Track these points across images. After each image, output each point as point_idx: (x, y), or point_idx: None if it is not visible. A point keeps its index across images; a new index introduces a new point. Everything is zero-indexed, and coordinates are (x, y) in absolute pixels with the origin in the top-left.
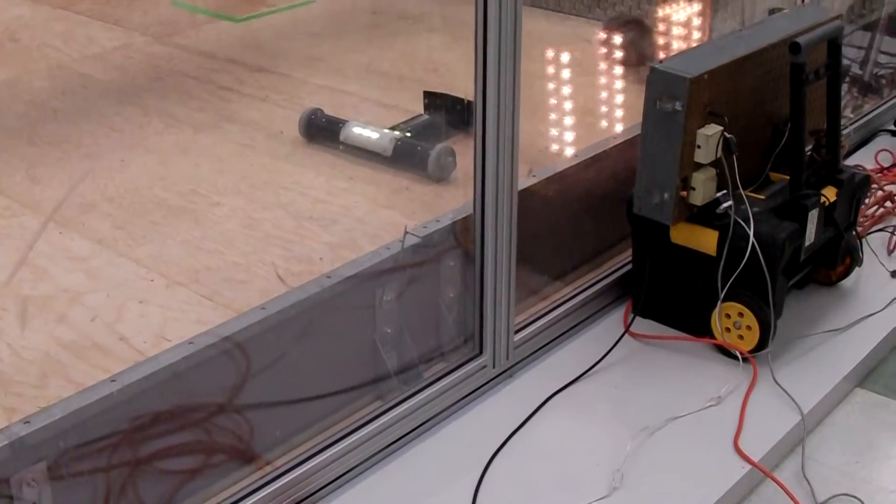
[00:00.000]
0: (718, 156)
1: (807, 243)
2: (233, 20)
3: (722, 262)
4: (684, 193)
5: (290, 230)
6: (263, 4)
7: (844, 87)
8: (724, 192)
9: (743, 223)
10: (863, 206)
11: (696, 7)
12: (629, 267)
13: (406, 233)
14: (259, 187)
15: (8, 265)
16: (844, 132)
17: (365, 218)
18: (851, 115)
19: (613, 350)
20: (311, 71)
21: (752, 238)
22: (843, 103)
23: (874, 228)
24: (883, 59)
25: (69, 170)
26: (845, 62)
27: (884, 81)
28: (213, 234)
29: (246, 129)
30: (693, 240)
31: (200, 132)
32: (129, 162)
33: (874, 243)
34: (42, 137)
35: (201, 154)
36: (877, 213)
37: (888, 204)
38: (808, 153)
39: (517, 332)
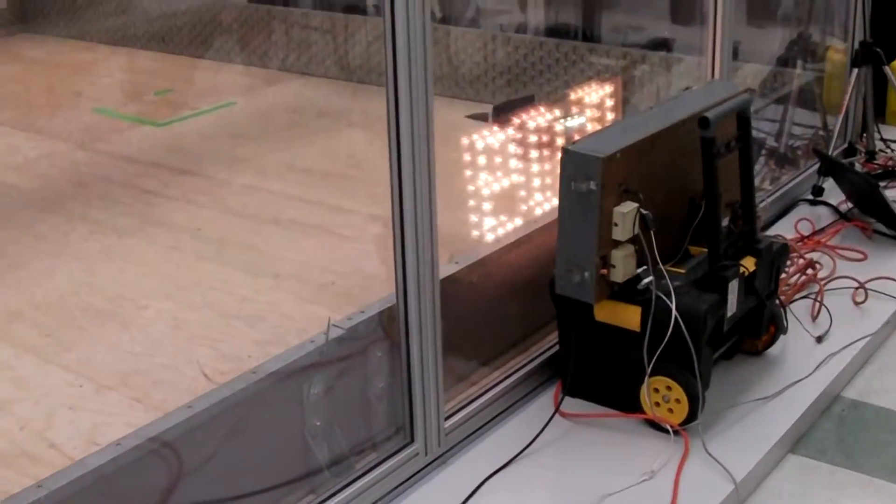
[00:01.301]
0: (636, 232)
1: (729, 314)
2: (155, 125)
3: (647, 338)
4: (604, 271)
5: (218, 329)
6: (185, 108)
7: (761, 160)
8: (645, 267)
9: (665, 297)
10: (785, 275)
11: (609, 89)
12: (557, 348)
13: (330, 325)
14: (186, 288)
15: None
16: (762, 204)
17: (292, 314)
18: (770, 187)
19: (545, 431)
20: (235, 171)
21: (674, 311)
22: (760, 176)
23: (797, 296)
24: (797, 130)
25: None
26: (760, 135)
27: (799, 153)
28: (140, 338)
29: (171, 231)
30: (616, 317)
31: (125, 236)
32: (55, 269)
33: (798, 311)
34: None
35: (127, 258)
36: (799, 281)
37: (809, 271)
38: (726, 225)
39: (448, 418)
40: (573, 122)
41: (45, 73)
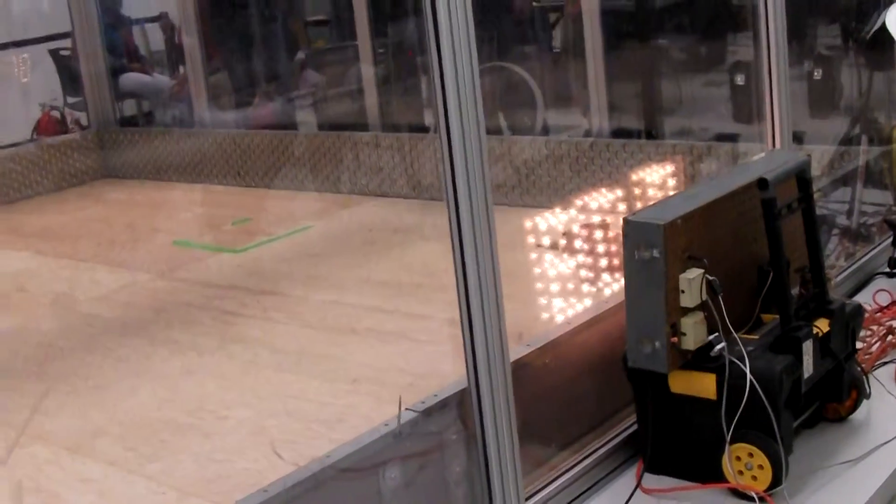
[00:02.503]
0: (704, 299)
1: (805, 375)
2: (233, 251)
3: (724, 405)
4: (675, 339)
5: (298, 433)
6: (262, 234)
7: (835, 238)
8: (716, 334)
9: (738, 362)
10: (866, 343)
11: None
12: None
13: (401, 407)
14: (265, 398)
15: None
16: (837, 279)
17: (371, 415)
18: (844, 263)
19: None
20: (312, 289)
21: (748, 375)
22: (835, 253)
23: (879, 362)
24: (869, 209)
25: (78, 401)
26: (828, 212)
27: (873, 229)
28: (221, 445)
29: (250, 347)
30: (692, 386)
31: (205, 354)
32: (137, 388)
33: (881, 376)
34: (50, 374)
35: (207, 374)
36: (879, 348)
37: (890, 337)
38: (797, 291)
39: (528, 498)
40: None
41: (126, 212)
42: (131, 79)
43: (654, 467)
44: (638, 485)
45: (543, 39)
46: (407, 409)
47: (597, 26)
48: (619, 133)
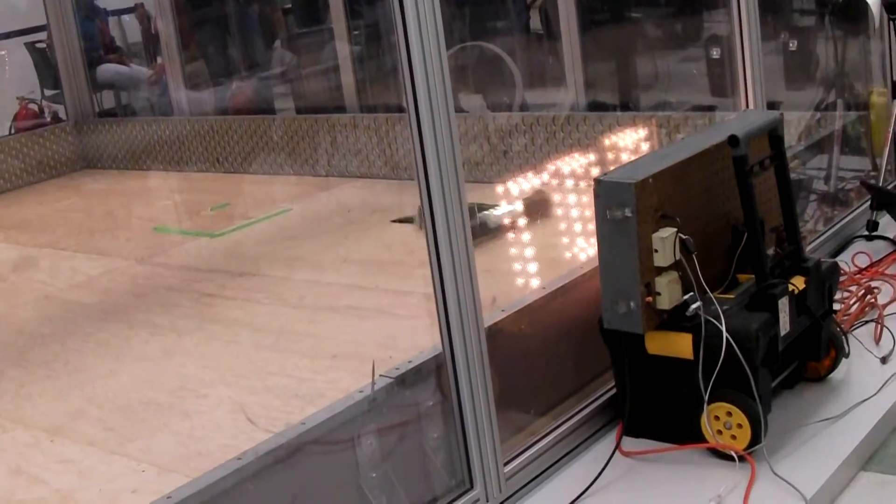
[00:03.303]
0: (678, 258)
1: (782, 333)
2: (212, 236)
3: (700, 364)
4: (650, 299)
5: (278, 409)
6: (241, 218)
7: (813, 204)
8: (691, 294)
9: (714, 321)
10: (845, 304)
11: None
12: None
13: (374, 372)
14: (245, 376)
15: (4, 476)
16: (816, 241)
17: (352, 388)
18: (823, 227)
19: (608, 471)
20: (292, 269)
21: (724, 333)
22: (814, 219)
23: (858, 322)
24: (848, 174)
25: (58, 384)
26: (805, 177)
27: (852, 194)
28: (201, 423)
29: (230, 327)
30: (668, 347)
31: (185, 336)
32: (117, 370)
33: (860, 336)
34: (30, 360)
35: (186, 354)
36: (858, 308)
37: (868, 297)
38: (773, 250)
39: (507, 463)
40: None
41: (105, 202)
42: (109, 70)
43: (633, 430)
44: (616, 447)
45: (521, 20)
46: (381, 375)
47: (572, 4)
48: (595, 107)
